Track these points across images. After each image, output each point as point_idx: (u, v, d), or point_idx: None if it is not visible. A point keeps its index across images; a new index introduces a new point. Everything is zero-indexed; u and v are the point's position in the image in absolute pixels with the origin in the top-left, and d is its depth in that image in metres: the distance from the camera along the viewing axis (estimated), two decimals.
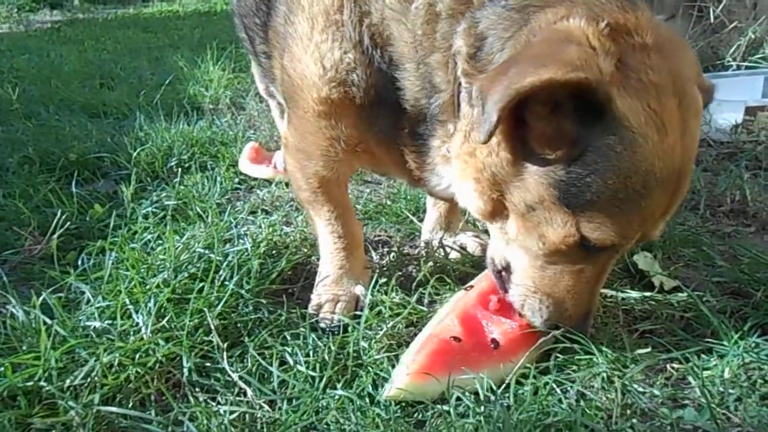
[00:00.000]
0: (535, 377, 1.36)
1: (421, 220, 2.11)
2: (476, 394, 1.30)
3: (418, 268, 1.84)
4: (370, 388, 1.35)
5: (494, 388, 1.32)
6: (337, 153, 1.51)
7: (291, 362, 1.43)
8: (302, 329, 1.53)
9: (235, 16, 2.14)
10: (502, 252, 1.38)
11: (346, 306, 1.65)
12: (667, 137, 1.10)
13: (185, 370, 1.39)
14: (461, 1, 1.23)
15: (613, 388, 1.31)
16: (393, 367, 1.40)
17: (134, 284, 1.57)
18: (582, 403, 1.30)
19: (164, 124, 3.17)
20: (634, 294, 1.66)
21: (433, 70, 1.29)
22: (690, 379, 1.37)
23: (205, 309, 1.52)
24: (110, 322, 1.50)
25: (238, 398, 1.34)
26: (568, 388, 1.33)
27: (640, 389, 1.33)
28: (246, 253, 1.77)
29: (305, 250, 1.96)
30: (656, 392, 1.32)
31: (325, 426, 1.26)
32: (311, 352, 1.46)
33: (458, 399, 1.29)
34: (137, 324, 1.48)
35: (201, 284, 1.60)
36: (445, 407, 1.28)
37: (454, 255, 1.92)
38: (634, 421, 1.24)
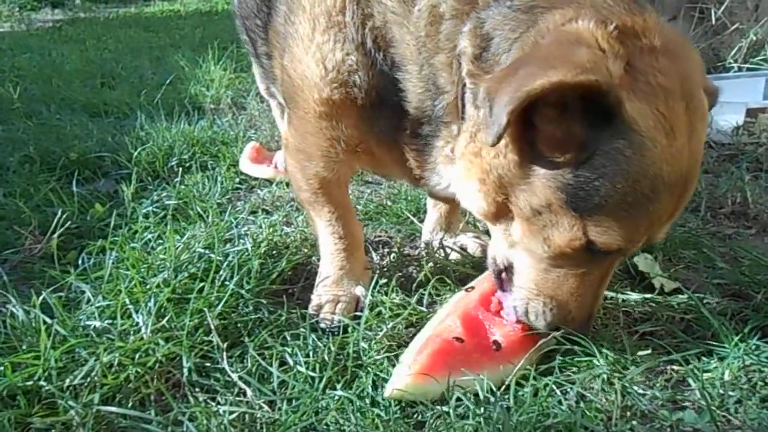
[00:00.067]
0: (535, 379, 1.36)
1: (422, 221, 2.11)
2: (477, 395, 1.30)
3: (418, 269, 1.84)
4: (370, 388, 1.35)
5: (494, 389, 1.32)
6: (338, 154, 1.51)
7: (291, 363, 1.43)
8: (302, 330, 1.53)
9: (237, 18, 2.14)
10: (504, 252, 1.37)
11: (347, 307, 1.65)
12: (675, 141, 1.10)
13: (185, 370, 1.39)
14: (465, 2, 1.22)
15: (613, 390, 1.31)
16: (393, 367, 1.40)
17: (134, 284, 1.57)
18: (582, 404, 1.29)
19: (165, 123, 3.17)
20: (635, 296, 1.66)
21: (438, 71, 1.28)
22: (690, 381, 1.36)
23: (205, 309, 1.52)
24: (110, 321, 1.50)
25: (237, 398, 1.34)
26: (568, 390, 1.33)
27: (640, 391, 1.32)
28: (246, 253, 1.77)
29: (306, 250, 1.96)
30: (656, 394, 1.32)
31: (325, 426, 1.26)
32: (311, 353, 1.46)
33: (458, 400, 1.29)
34: (137, 324, 1.48)
35: (201, 284, 1.60)
36: (445, 408, 1.28)
37: (454, 256, 1.92)
38: (634, 422, 1.24)
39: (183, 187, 2.50)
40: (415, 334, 1.49)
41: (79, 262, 1.80)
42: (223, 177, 2.63)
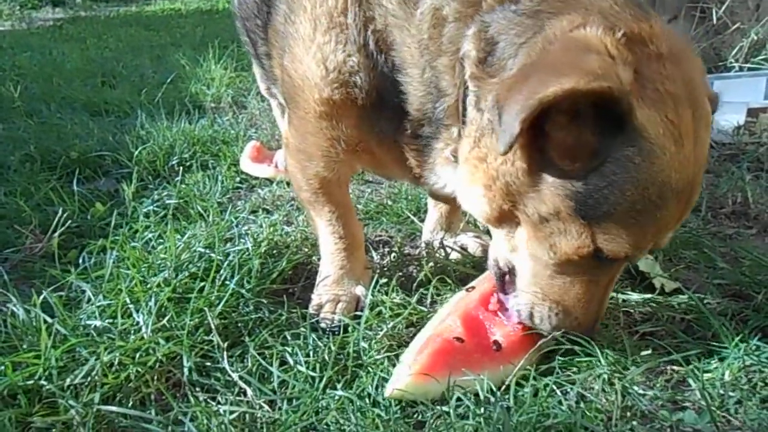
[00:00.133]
0: (535, 379, 1.36)
1: (422, 221, 2.11)
2: (477, 395, 1.30)
3: (418, 269, 1.84)
4: (370, 388, 1.35)
5: (494, 389, 1.32)
6: (338, 153, 1.51)
7: (291, 362, 1.43)
8: (303, 329, 1.53)
9: (237, 20, 2.14)
10: (506, 255, 1.36)
11: (347, 306, 1.65)
12: (683, 148, 1.10)
13: (185, 370, 1.39)
14: (469, 5, 1.21)
15: (613, 390, 1.31)
16: (393, 367, 1.40)
17: (135, 283, 1.57)
18: (582, 404, 1.29)
19: (166, 122, 3.17)
20: (635, 296, 1.66)
21: (440, 74, 1.27)
22: (690, 381, 1.36)
23: (206, 308, 1.52)
24: (111, 321, 1.50)
25: (238, 398, 1.34)
26: (568, 390, 1.33)
27: (641, 391, 1.32)
28: (247, 253, 1.76)
29: (306, 249, 1.96)
30: (656, 394, 1.32)
31: (325, 426, 1.26)
32: (311, 353, 1.46)
33: (458, 400, 1.29)
34: (138, 323, 1.48)
35: (202, 283, 1.60)
36: (445, 408, 1.28)
37: (454, 255, 1.92)
38: (634, 423, 1.24)
39: (183, 186, 2.50)
40: (415, 334, 1.49)
41: (80, 261, 1.80)
42: (224, 176, 2.63)
